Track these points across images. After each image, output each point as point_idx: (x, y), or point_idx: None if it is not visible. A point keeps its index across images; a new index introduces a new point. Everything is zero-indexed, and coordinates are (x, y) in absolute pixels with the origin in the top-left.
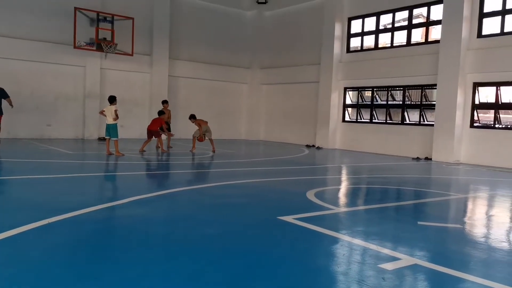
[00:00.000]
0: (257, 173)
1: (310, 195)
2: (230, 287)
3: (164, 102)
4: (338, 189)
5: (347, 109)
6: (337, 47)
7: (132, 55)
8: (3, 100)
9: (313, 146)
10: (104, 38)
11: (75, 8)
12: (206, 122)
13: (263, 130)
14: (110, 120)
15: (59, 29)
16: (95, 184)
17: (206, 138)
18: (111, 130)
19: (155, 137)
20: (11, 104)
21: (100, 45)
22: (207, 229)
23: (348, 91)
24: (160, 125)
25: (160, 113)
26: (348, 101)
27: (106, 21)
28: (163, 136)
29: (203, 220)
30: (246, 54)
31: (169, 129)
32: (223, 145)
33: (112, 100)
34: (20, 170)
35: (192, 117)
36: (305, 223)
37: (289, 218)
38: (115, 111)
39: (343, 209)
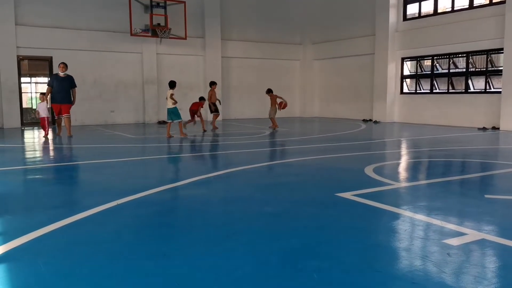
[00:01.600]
0: (313, 150)
1: (369, 170)
2: (290, 265)
3: (212, 83)
4: (398, 164)
5: (405, 80)
6: (393, 15)
7: (185, 38)
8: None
9: (370, 120)
10: (158, 24)
11: None
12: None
13: (318, 106)
14: (169, 104)
15: (116, 18)
16: (157, 167)
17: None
18: (171, 113)
19: (197, 117)
20: (74, 99)
21: (155, 31)
22: (265, 207)
23: (406, 61)
24: (197, 107)
25: (201, 98)
26: (406, 72)
27: (159, 7)
28: (196, 118)
29: (260, 199)
30: (296, 30)
31: (216, 110)
32: (278, 123)
33: (171, 85)
34: (90, 155)
35: (269, 91)
36: (364, 199)
37: (347, 195)
38: (172, 95)
39: (403, 184)
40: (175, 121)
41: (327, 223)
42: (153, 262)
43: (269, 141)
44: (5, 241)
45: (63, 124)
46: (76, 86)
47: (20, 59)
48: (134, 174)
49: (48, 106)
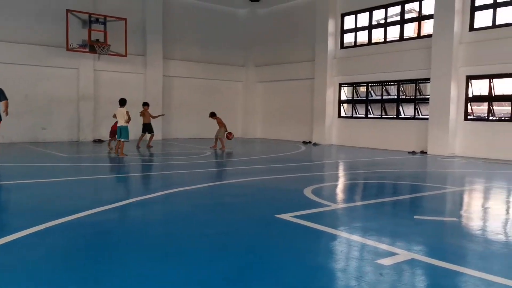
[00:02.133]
0: (254, 171)
1: (308, 192)
2: (231, 286)
3: (144, 104)
4: (335, 185)
5: (342, 105)
6: (331, 43)
7: (125, 56)
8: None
9: (310, 142)
10: (97, 40)
11: (67, 10)
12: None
13: (260, 128)
14: (122, 122)
15: (51, 31)
16: (92, 187)
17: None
18: (123, 131)
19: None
20: (6, 111)
21: (93, 46)
22: (205, 228)
23: (343, 86)
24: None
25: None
26: (343, 97)
27: (99, 23)
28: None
29: (200, 220)
30: (240, 52)
31: (150, 130)
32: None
33: (122, 103)
34: (17, 175)
35: (213, 114)
36: (302, 221)
37: (286, 216)
38: (127, 112)
39: (340, 205)
40: (122, 140)
41: (267, 244)
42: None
43: (210, 162)
44: None
45: None
46: (6, 99)
47: None
48: (65, 195)
49: None
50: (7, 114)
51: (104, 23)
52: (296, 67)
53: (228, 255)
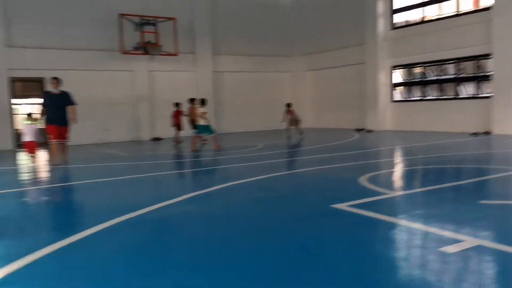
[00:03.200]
0: (307, 161)
1: (363, 180)
2: (288, 278)
3: (192, 100)
4: (393, 172)
5: (395, 89)
6: (381, 25)
7: (176, 55)
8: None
9: (363, 129)
10: (149, 41)
11: (120, 15)
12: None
13: (310, 117)
14: (201, 122)
15: (107, 37)
16: (153, 184)
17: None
18: (205, 129)
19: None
20: (74, 118)
21: (146, 48)
22: (260, 220)
23: (395, 69)
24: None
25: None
26: (396, 80)
27: (150, 24)
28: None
29: (255, 212)
30: (287, 42)
31: (195, 127)
32: (270, 135)
33: (202, 102)
34: (85, 175)
35: (288, 105)
36: (359, 210)
37: (342, 206)
38: (203, 113)
39: (399, 192)
40: (206, 135)
41: (324, 235)
42: (144, 283)
43: (263, 154)
44: (2, 265)
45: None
46: (74, 104)
47: (12, 81)
48: (130, 192)
49: (40, 127)
50: (75, 121)
51: (155, 25)
52: (345, 53)
53: (284, 248)
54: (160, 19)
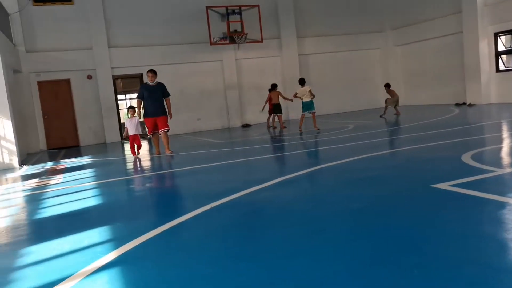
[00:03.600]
0: (404, 140)
1: (467, 158)
2: (388, 260)
3: (274, 86)
4: (500, 149)
5: (501, 57)
6: None
7: (261, 41)
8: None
9: (464, 103)
10: (235, 30)
11: (207, 8)
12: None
13: (404, 94)
14: (307, 98)
15: (196, 30)
16: (246, 168)
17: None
18: (311, 105)
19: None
20: (170, 112)
21: (232, 37)
22: (356, 203)
23: (499, 36)
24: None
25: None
26: (501, 48)
27: (235, 14)
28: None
29: (351, 194)
30: (375, 17)
31: (279, 111)
32: (362, 115)
33: (302, 82)
34: (186, 161)
35: (387, 85)
36: (463, 189)
37: (444, 185)
38: (310, 90)
39: (508, 169)
40: (312, 111)
41: (425, 216)
42: (244, 264)
43: (355, 135)
44: (117, 246)
45: (160, 140)
46: (169, 95)
47: (115, 79)
48: (223, 178)
49: (140, 120)
50: (171, 116)
51: (240, 13)
52: (439, 23)
53: (382, 230)
54: (244, 8)
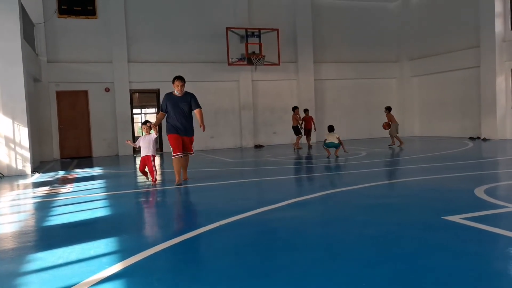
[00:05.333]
0: (417, 170)
1: (479, 192)
2: None
3: (294, 108)
4: None
5: None
6: (499, 24)
7: (279, 64)
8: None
9: (478, 138)
10: (253, 52)
11: (227, 29)
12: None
13: (418, 125)
14: (333, 140)
15: (215, 50)
16: (257, 189)
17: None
18: (336, 145)
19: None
20: (202, 123)
21: (250, 59)
22: (365, 230)
23: None
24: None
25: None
26: None
27: (254, 36)
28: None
29: (360, 220)
30: (392, 47)
31: (298, 132)
32: (375, 143)
33: (332, 129)
34: (194, 179)
35: (388, 109)
36: (475, 223)
37: (456, 218)
38: (338, 138)
39: None
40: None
41: (435, 248)
42: (253, 283)
43: (367, 162)
44: (123, 258)
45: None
46: (200, 107)
47: (132, 93)
48: (233, 196)
49: (155, 136)
50: (204, 128)
51: (259, 36)
52: (456, 56)
53: (392, 259)
54: (263, 30)
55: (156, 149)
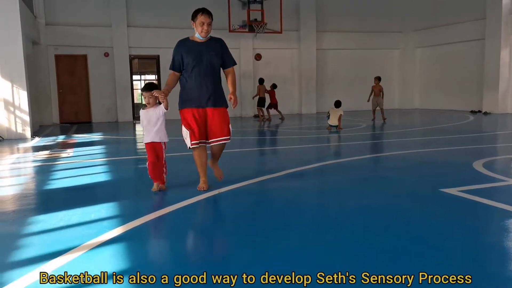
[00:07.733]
0: (416, 143)
1: (478, 165)
2: (392, 263)
3: (261, 80)
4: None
5: None
6: None
7: (281, 32)
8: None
9: (480, 111)
10: (255, 19)
11: None
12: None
13: (419, 97)
14: (333, 123)
15: (215, 16)
16: (256, 158)
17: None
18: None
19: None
20: (233, 90)
21: (251, 26)
22: (362, 201)
23: None
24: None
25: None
26: None
27: (256, 2)
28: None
29: (358, 192)
30: (397, 17)
31: (263, 105)
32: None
33: (339, 104)
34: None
35: (378, 78)
36: (472, 196)
37: (453, 191)
38: (340, 115)
39: None
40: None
41: (431, 220)
42: (251, 251)
43: (365, 134)
44: (124, 222)
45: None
46: (235, 63)
47: (131, 58)
48: (234, 166)
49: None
50: (235, 102)
51: (261, 2)
52: (461, 28)
53: (388, 231)
54: None
55: None
